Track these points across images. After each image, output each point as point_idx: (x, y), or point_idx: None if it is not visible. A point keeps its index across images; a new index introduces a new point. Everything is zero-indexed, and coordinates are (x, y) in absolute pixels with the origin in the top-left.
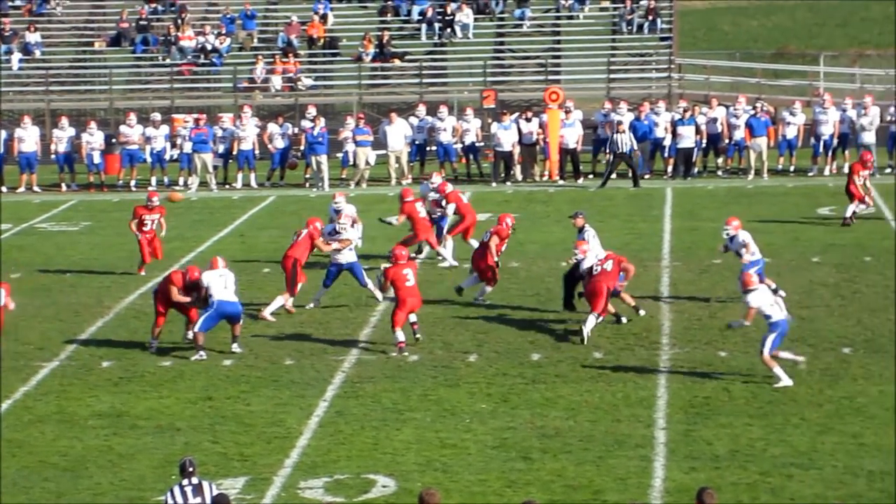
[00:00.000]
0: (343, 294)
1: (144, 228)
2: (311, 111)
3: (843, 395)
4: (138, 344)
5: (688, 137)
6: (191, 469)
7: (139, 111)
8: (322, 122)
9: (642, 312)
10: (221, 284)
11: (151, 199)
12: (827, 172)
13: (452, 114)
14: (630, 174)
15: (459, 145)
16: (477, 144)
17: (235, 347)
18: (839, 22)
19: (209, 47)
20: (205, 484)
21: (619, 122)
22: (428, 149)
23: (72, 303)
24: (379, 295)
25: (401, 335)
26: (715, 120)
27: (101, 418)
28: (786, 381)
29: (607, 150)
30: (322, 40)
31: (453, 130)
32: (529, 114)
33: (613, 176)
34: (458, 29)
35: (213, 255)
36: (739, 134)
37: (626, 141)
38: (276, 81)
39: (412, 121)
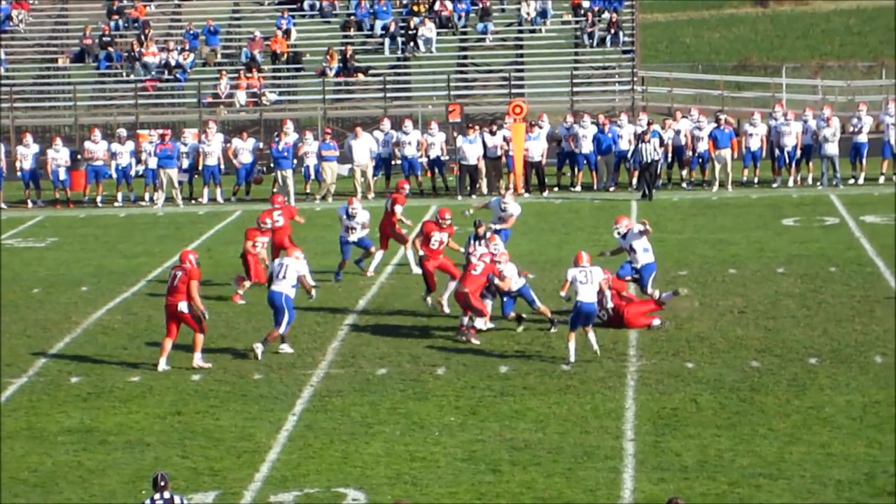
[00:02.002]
0: (310, 307)
1: (255, 251)
2: (290, 125)
3: (810, 406)
4: (106, 359)
5: (652, 150)
6: (163, 483)
7: (104, 127)
8: (288, 136)
9: (553, 330)
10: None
11: (264, 221)
12: (791, 184)
13: (417, 128)
14: (646, 185)
15: (424, 159)
16: (442, 158)
17: (285, 348)
18: (800, 34)
19: (173, 63)
20: (176, 498)
21: (644, 132)
22: (393, 163)
23: (39, 319)
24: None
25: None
26: (678, 132)
27: (71, 434)
28: (572, 357)
29: (631, 161)
30: (285, 55)
31: (418, 144)
32: (494, 127)
33: (575, 189)
34: (421, 43)
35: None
36: (703, 146)
37: (650, 151)
38: (241, 97)
39: (377, 135)
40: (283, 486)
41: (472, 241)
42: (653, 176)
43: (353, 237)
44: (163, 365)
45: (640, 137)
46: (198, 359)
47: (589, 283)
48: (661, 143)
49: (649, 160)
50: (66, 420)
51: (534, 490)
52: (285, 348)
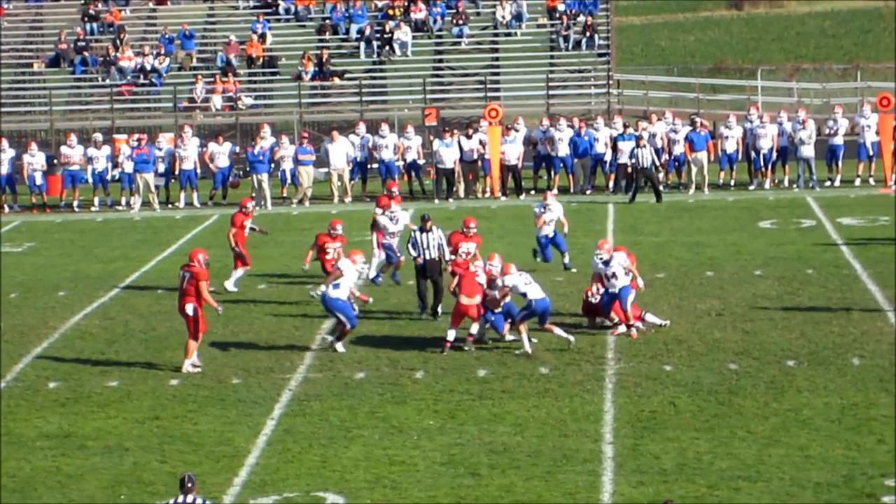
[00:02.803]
0: (289, 312)
1: (327, 257)
2: (267, 129)
3: (788, 408)
4: (84, 364)
5: (627, 153)
6: (190, 485)
7: (80, 132)
8: (265, 141)
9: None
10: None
11: (335, 226)
12: (767, 186)
13: (393, 131)
14: (652, 189)
15: (401, 163)
16: (419, 162)
17: (339, 347)
18: (775, 36)
19: (149, 67)
20: (199, 500)
21: (640, 137)
22: (369, 167)
23: (17, 324)
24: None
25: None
26: (654, 135)
27: (49, 439)
28: (527, 347)
29: (629, 165)
30: (261, 59)
31: (395, 148)
32: (470, 131)
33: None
34: (396, 47)
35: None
36: (679, 149)
37: (646, 155)
38: (217, 101)
39: (353, 139)
40: (263, 490)
41: (417, 235)
42: (652, 179)
43: (394, 241)
44: (186, 366)
45: (636, 144)
46: (187, 365)
47: (532, 282)
48: (662, 148)
49: (646, 165)
50: (44, 425)
51: (513, 493)
52: (339, 347)
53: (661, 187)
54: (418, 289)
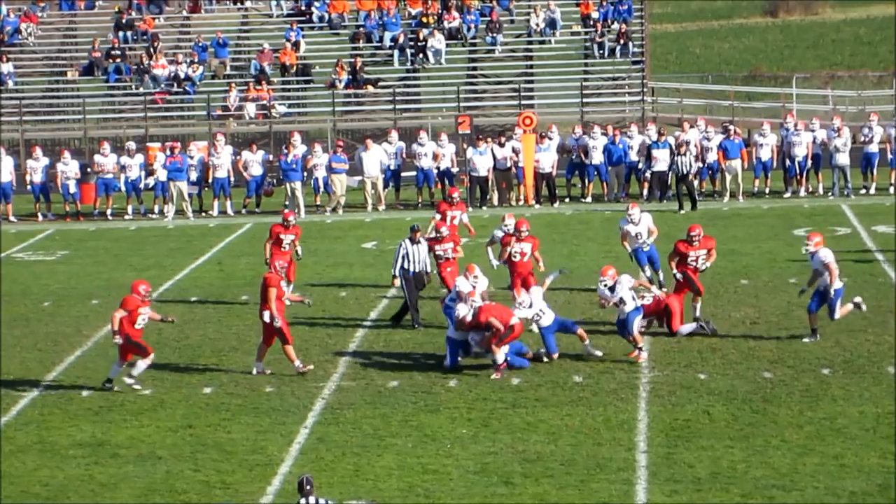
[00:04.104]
0: (322, 320)
1: (282, 249)
2: (297, 138)
3: (823, 417)
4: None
5: (662, 161)
6: (308, 487)
7: (113, 140)
8: (297, 149)
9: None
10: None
11: (287, 218)
12: (802, 194)
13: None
14: (689, 196)
15: (435, 171)
16: (452, 170)
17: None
18: (810, 44)
19: (182, 75)
20: (322, 500)
21: (681, 144)
22: (403, 174)
23: (50, 332)
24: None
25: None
26: (688, 142)
27: (82, 447)
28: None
29: (669, 173)
30: (295, 67)
31: (433, 155)
32: (503, 139)
33: (586, 200)
34: (430, 55)
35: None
36: (712, 157)
37: (686, 163)
38: (250, 109)
39: (386, 147)
40: (296, 499)
41: (409, 247)
42: (690, 188)
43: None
44: (257, 367)
45: (675, 150)
46: (297, 364)
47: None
48: (696, 157)
49: (685, 172)
50: (77, 433)
51: (546, 502)
52: None
53: (696, 196)
54: (412, 301)
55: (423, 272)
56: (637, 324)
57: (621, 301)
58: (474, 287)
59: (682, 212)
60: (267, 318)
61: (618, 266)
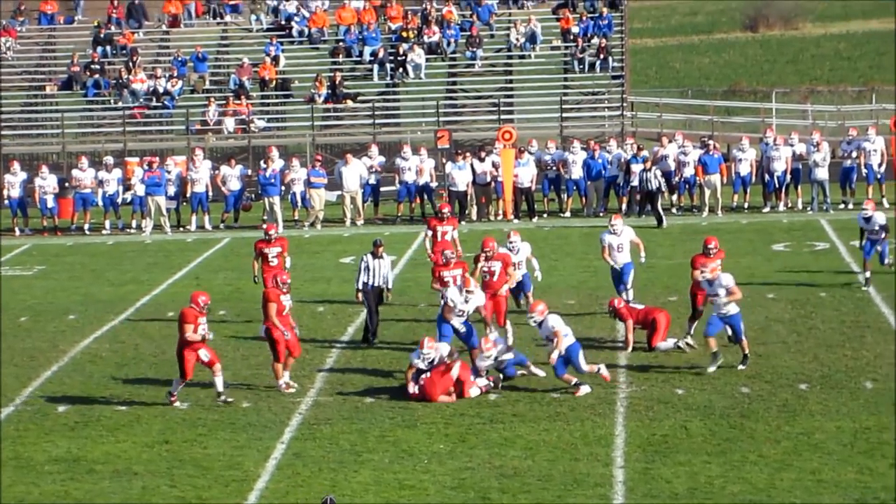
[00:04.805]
0: (300, 335)
1: (270, 265)
2: (275, 152)
3: (800, 432)
4: (94, 388)
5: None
6: None
7: (91, 155)
8: (275, 163)
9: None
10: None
11: (269, 231)
12: (781, 208)
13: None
14: (654, 213)
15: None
16: (431, 185)
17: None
18: (790, 59)
19: (161, 90)
20: None
21: (647, 160)
22: (382, 189)
23: (27, 347)
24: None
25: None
26: (666, 157)
27: (58, 463)
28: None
29: (637, 188)
30: (274, 82)
31: (417, 170)
32: (483, 153)
33: (564, 215)
34: (410, 69)
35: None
36: (689, 171)
37: (652, 178)
38: (229, 123)
39: (366, 161)
40: None
41: (370, 261)
42: (654, 204)
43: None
44: (283, 378)
45: (644, 167)
46: (281, 383)
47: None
48: (674, 171)
49: (653, 189)
50: (53, 449)
51: None
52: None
53: (662, 213)
54: (368, 314)
55: (384, 287)
56: (580, 358)
57: (554, 335)
58: (467, 301)
59: (663, 226)
60: (262, 333)
61: (597, 280)
